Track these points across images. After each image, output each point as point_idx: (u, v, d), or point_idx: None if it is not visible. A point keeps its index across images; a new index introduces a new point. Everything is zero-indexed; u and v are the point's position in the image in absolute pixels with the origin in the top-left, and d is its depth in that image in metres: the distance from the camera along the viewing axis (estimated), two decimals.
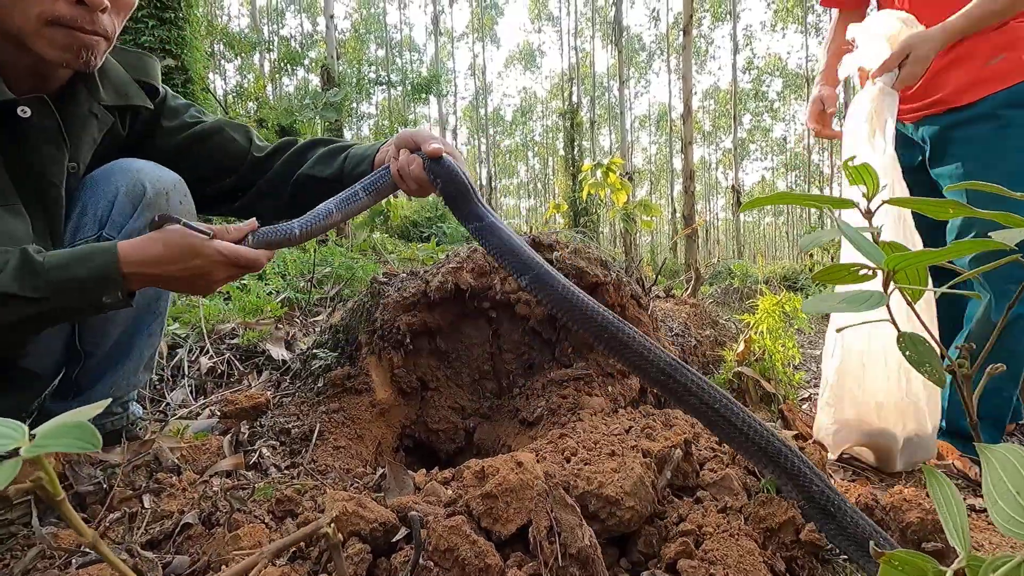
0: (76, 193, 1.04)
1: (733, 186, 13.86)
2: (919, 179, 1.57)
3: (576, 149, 15.98)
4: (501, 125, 41.28)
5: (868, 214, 0.64)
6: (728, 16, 22.63)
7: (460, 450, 1.41)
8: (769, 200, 0.66)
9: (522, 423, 1.32)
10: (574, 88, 21.22)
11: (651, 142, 43.51)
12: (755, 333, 1.53)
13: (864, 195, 0.64)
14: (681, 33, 6.00)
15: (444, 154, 0.99)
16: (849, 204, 0.61)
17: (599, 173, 3.91)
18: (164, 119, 1.18)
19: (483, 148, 31.46)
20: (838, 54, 1.59)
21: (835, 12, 1.76)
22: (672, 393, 0.83)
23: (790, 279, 13.04)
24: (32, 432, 0.33)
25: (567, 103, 18.14)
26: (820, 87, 1.63)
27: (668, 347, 1.52)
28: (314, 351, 1.43)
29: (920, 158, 1.58)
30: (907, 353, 0.46)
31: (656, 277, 3.11)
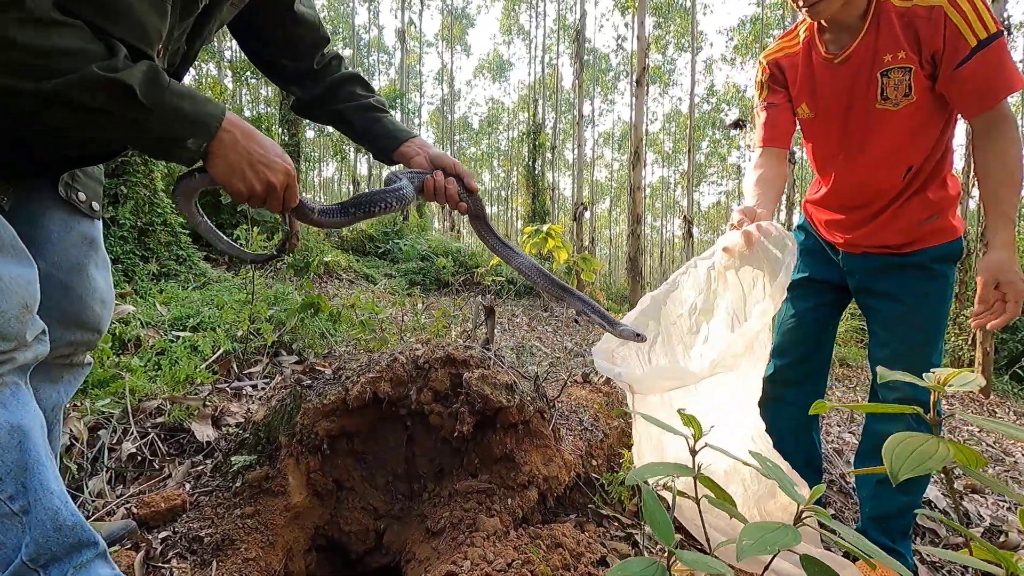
0: None
1: (684, 216, 14.43)
2: (823, 290, 1.79)
3: (538, 169, 16.25)
4: (467, 132, 41.32)
5: (693, 452, 0.79)
6: (688, 47, 23.51)
7: (370, 551, 1.50)
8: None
9: (427, 532, 1.43)
10: (540, 105, 21.54)
11: (614, 159, 44.48)
12: None
13: (693, 435, 0.79)
14: (634, 82, 6.21)
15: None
16: None
17: (539, 237, 4.10)
18: None
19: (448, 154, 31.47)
20: (772, 184, 1.68)
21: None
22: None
23: None
24: None
25: (531, 121, 18.43)
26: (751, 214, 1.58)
27: (572, 449, 1.66)
28: (233, 456, 1.50)
29: (837, 278, 1.77)
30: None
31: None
